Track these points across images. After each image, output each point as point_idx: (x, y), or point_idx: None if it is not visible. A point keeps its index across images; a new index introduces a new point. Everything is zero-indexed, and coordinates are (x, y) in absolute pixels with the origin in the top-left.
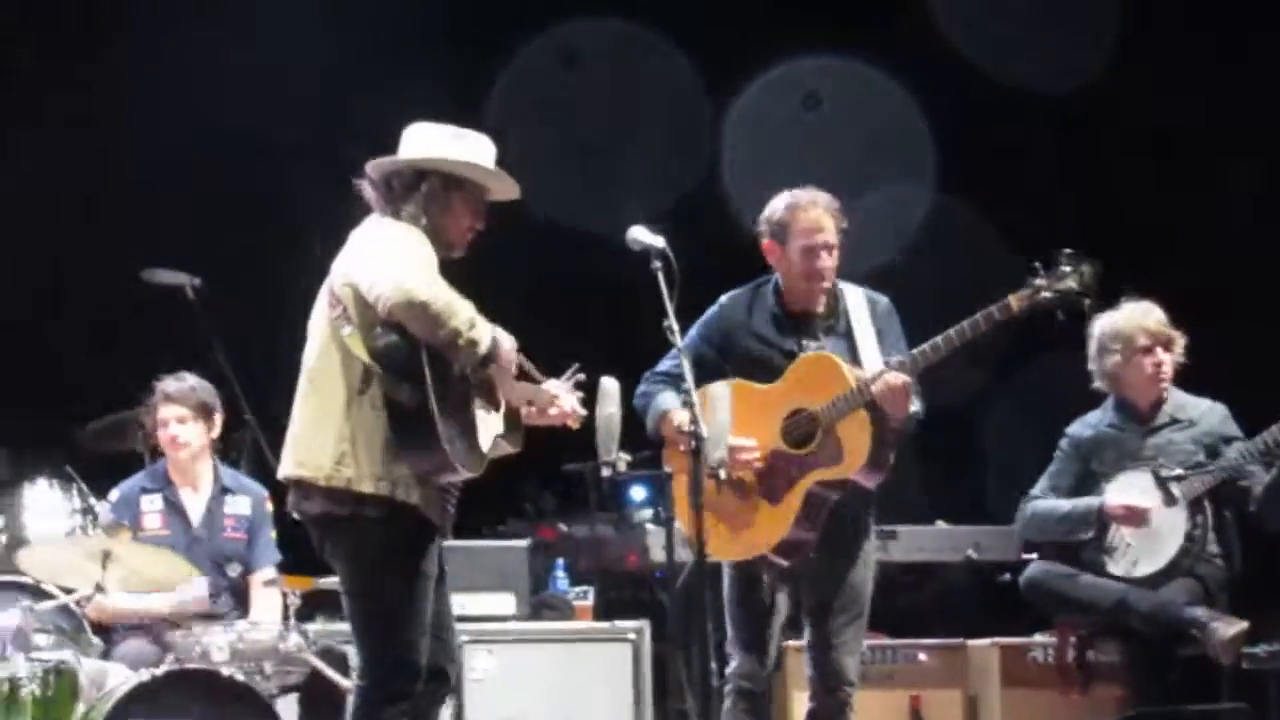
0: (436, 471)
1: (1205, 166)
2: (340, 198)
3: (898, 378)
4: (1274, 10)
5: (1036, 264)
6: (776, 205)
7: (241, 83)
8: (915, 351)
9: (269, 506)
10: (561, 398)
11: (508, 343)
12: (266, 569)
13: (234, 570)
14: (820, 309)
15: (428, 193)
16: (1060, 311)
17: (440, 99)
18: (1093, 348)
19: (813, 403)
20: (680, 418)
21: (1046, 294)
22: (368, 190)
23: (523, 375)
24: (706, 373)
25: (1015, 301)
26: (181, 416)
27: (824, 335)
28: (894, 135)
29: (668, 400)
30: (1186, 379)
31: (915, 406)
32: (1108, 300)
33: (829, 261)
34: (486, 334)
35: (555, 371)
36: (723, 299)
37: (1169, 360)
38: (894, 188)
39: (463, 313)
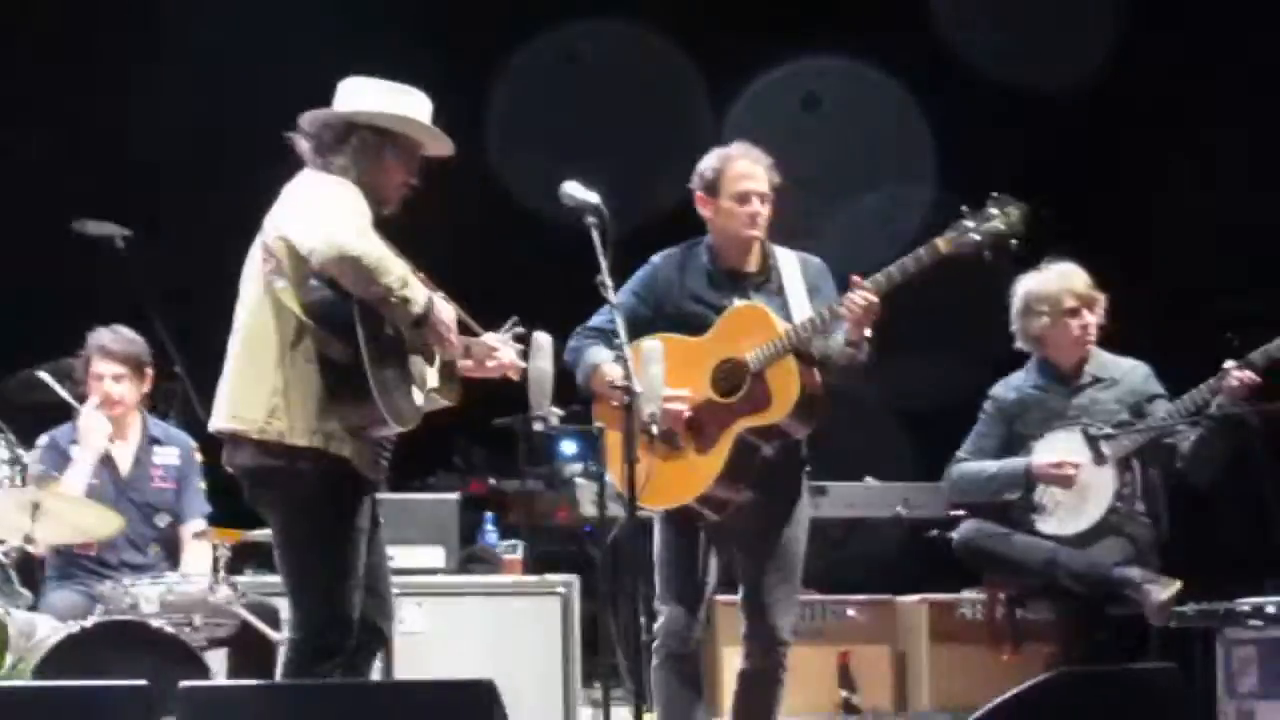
0: (369, 425)
1: (1206, 164)
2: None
3: (864, 295)
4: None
5: (964, 207)
6: (708, 159)
7: (233, 74)
8: (869, 279)
9: (198, 457)
10: (500, 350)
11: (447, 311)
12: (196, 519)
13: (163, 521)
14: (753, 267)
15: (359, 146)
16: (987, 252)
17: (440, 99)
18: (1016, 308)
19: (742, 352)
20: (612, 372)
21: (974, 235)
22: (300, 143)
23: (463, 329)
24: (639, 330)
25: (943, 243)
26: (117, 374)
27: (756, 292)
28: (894, 135)
29: (599, 354)
30: (1117, 340)
31: (864, 356)
32: (1032, 259)
33: (760, 208)
34: (420, 294)
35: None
36: (655, 257)
37: (1094, 321)
38: (894, 188)
39: (395, 270)
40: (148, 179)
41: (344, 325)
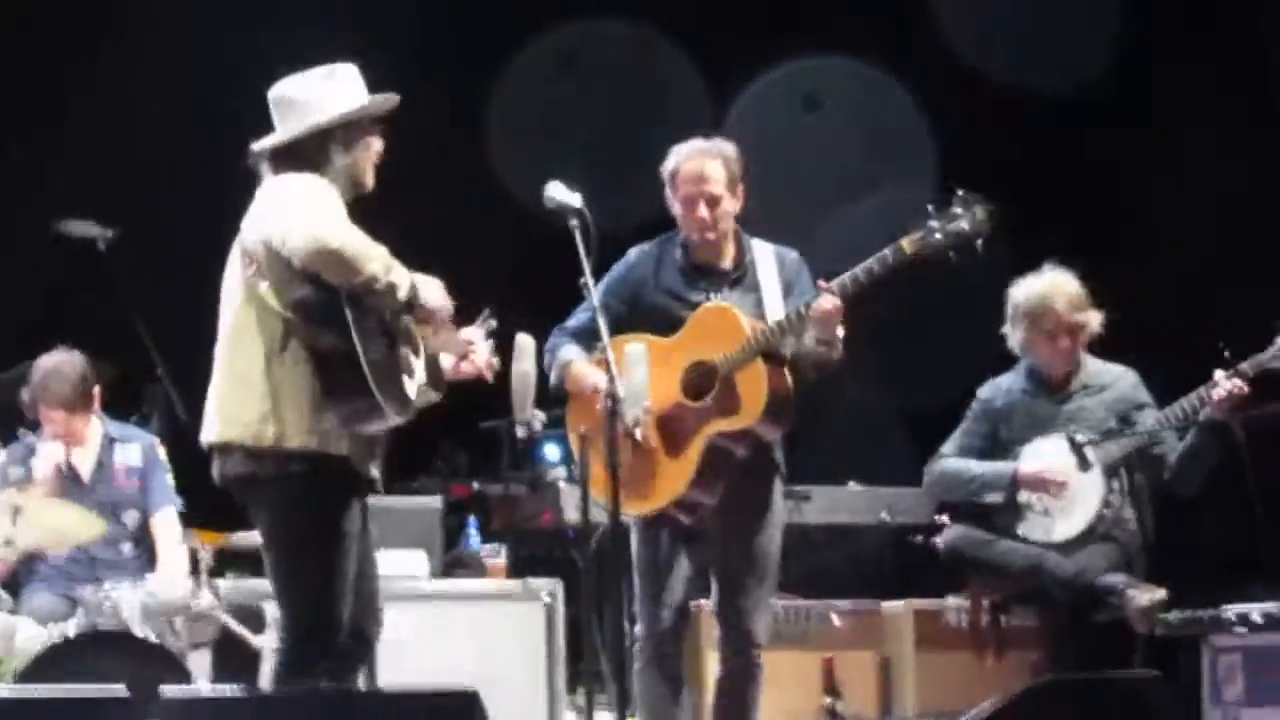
0: (366, 418)
1: (1205, 167)
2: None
3: (830, 300)
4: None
5: (930, 207)
6: (669, 156)
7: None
8: (835, 281)
9: (160, 451)
10: (476, 345)
11: (433, 287)
12: (165, 509)
13: (130, 519)
14: (727, 263)
15: (336, 147)
16: (953, 253)
17: (440, 99)
18: (1007, 312)
19: (712, 354)
20: (586, 372)
21: (938, 235)
22: (260, 164)
23: None
24: (613, 326)
25: (908, 245)
26: (65, 415)
27: (730, 288)
28: (894, 135)
29: (570, 352)
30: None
31: (836, 355)
32: (1027, 261)
33: (704, 213)
34: (405, 278)
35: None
36: (630, 252)
37: (1074, 344)
38: (894, 188)
39: (379, 257)
40: (127, 178)
41: (334, 318)
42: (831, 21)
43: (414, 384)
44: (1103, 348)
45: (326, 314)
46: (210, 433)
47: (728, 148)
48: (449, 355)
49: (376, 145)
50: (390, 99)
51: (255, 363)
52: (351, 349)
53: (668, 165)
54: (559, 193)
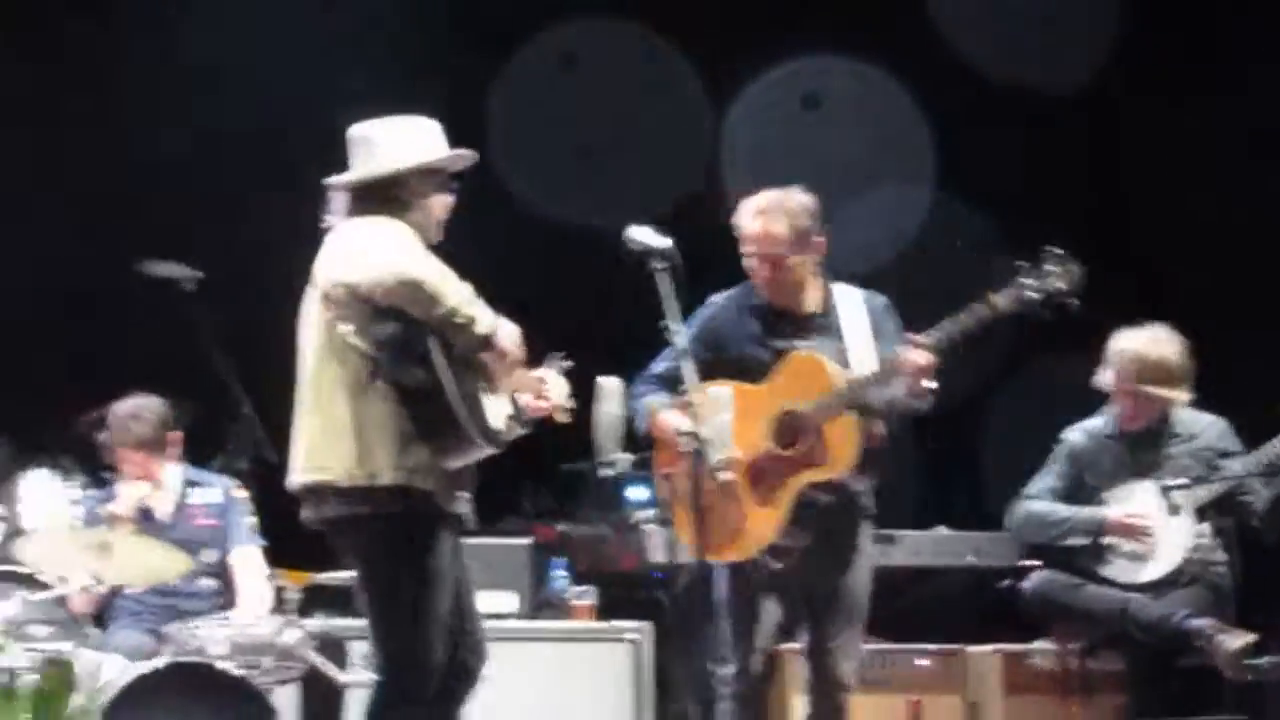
0: (456, 450)
1: (1208, 167)
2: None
3: (921, 355)
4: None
5: (1020, 263)
6: (740, 208)
7: (240, 81)
8: (925, 334)
9: (239, 494)
10: (550, 384)
11: (510, 328)
12: (245, 547)
13: (209, 556)
14: (810, 308)
15: (403, 195)
16: (1045, 311)
17: (440, 99)
18: (1107, 354)
19: (800, 403)
20: (671, 418)
21: (1032, 294)
22: (334, 202)
23: None
24: (698, 374)
25: (1001, 300)
26: (146, 455)
27: (814, 335)
28: (894, 135)
29: (657, 399)
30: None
31: (926, 407)
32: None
33: (764, 272)
34: (486, 314)
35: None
36: (715, 298)
37: (1156, 410)
38: (894, 188)
39: (460, 290)
40: (210, 213)
41: (418, 353)
42: (831, 21)
43: (501, 417)
44: None
45: (411, 349)
46: (299, 476)
47: (794, 201)
48: (522, 395)
49: (448, 200)
50: (467, 155)
51: (341, 404)
52: (437, 383)
53: (736, 220)
54: (644, 236)
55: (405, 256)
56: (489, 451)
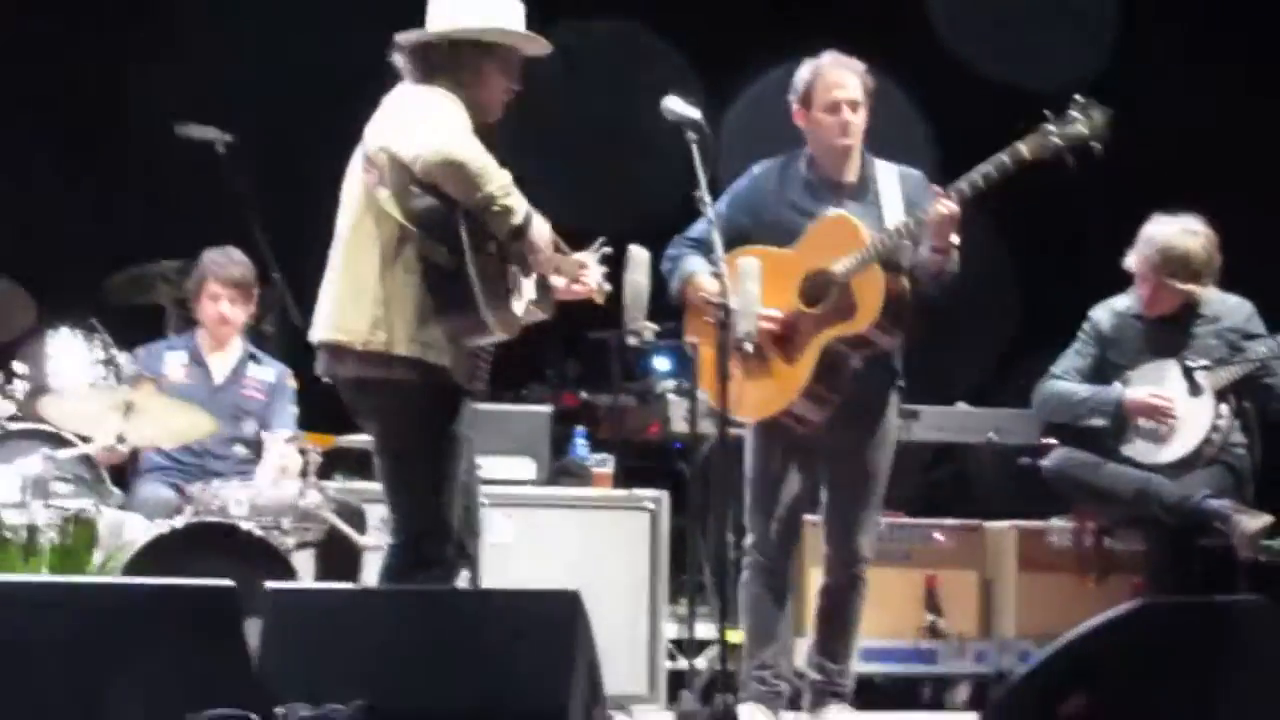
0: (471, 332)
1: (1207, 167)
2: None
3: (945, 205)
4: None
5: (1047, 111)
6: (801, 71)
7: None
8: (951, 187)
9: (291, 382)
10: (589, 268)
11: (543, 227)
12: (282, 430)
13: (249, 427)
14: (850, 177)
15: (461, 63)
16: (1069, 157)
17: None
18: (1138, 237)
19: (830, 262)
20: (707, 285)
21: (1056, 139)
22: (398, 60)
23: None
24: (738, 239)
25: (1025, 148)
26: (232, 297)
27: (851, 201)
28: (894, 135)
29: (694, 264)
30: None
31: (953, 264)
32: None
33: (852, 117)
34: (521, 205)
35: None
36: (754, 168)
37: (1184, 292)
38: None
39: (500, 177)
40: (248, 86)
41: (448, 231)
42: (830, 21)
43: (522, 303)
44: None
45: (442, 227)
46: (321, 332)
47: (861, 65)
48: (561, 277)
49: (504, 83)
50: (534, 39)
51: (369, 269)
52: (462, 264)
53: (801, 75)
54: (677, 105)
55: (453, 135)
56: (504, 337)
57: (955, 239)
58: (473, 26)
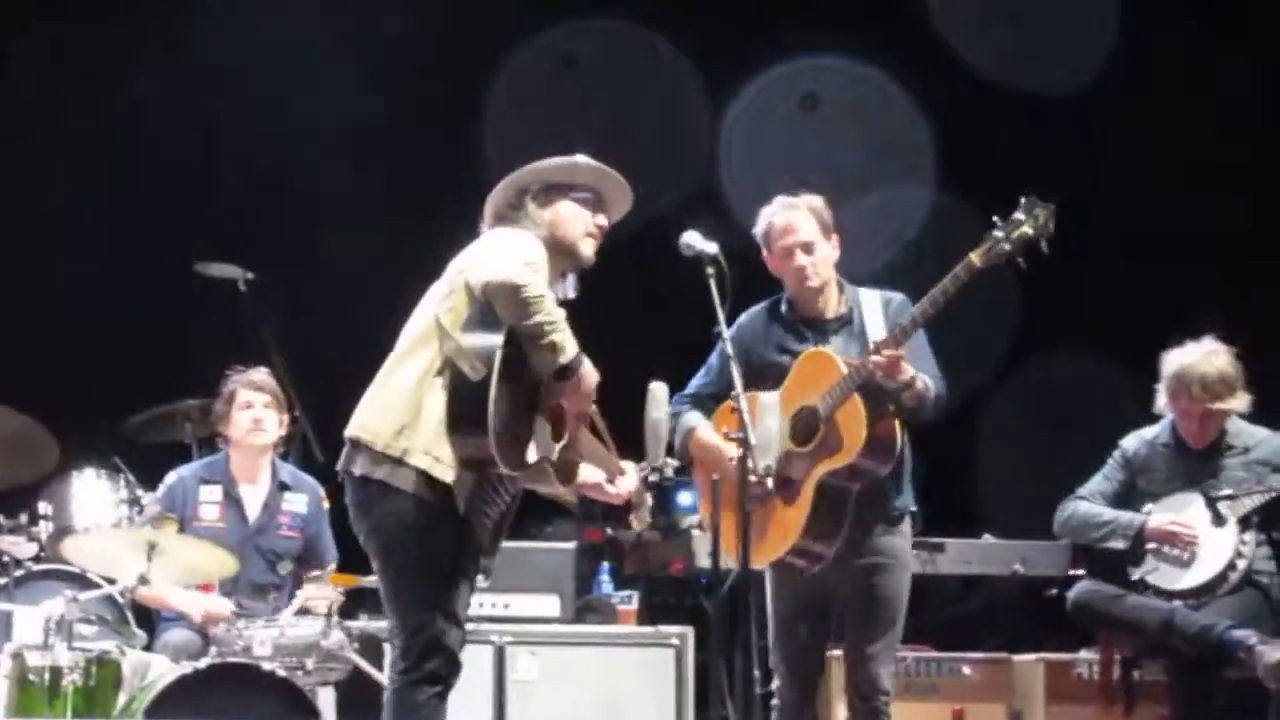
0: (473, 451)
1: (1206, 168)
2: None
3: (880, 357)
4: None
5: (995, 218)
6: (759, 217)
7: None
8: (895, 330)
9: (325, 504)
10: (627, 476)
11: (590, 370)
12: (330, 567)
13: (285, 569)
14: (831, 312)
15: (531, 204)
16: (1020, 260)
17: (440, 99)
18: (1164, 376)
19: (813, 398)
20: (708, 438)
21: (1005, 245)
22: (488, 213)
23: (593, 429)
24: (729, 385)
25: (977, 258)
26: (267, 403)
27: (835, 336)
28: (894, 135)
29: (693, 419)
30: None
31: (933, 387)
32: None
33: (806, 260)
34: (572, 345)
35: None
36: (741, 317)
37: (1215, 423)
38: (894, 188)
39: (554, 313)
40: (265, 223)
41: (486, 350)
42: (830, 21)
43: (535, 451)
44: None
45: (483, 340)
46: (351, 428)
47: (814, 200)
48: (598, 471)
49: (584, 220)
50: (618, 183)
51: (411, 378)
52: (486, 382)
53: (758, 227)
54: (696, 241)
55: (521, 263)
56: (507, 473)
57: (908, 373)
58: (539, 167)
